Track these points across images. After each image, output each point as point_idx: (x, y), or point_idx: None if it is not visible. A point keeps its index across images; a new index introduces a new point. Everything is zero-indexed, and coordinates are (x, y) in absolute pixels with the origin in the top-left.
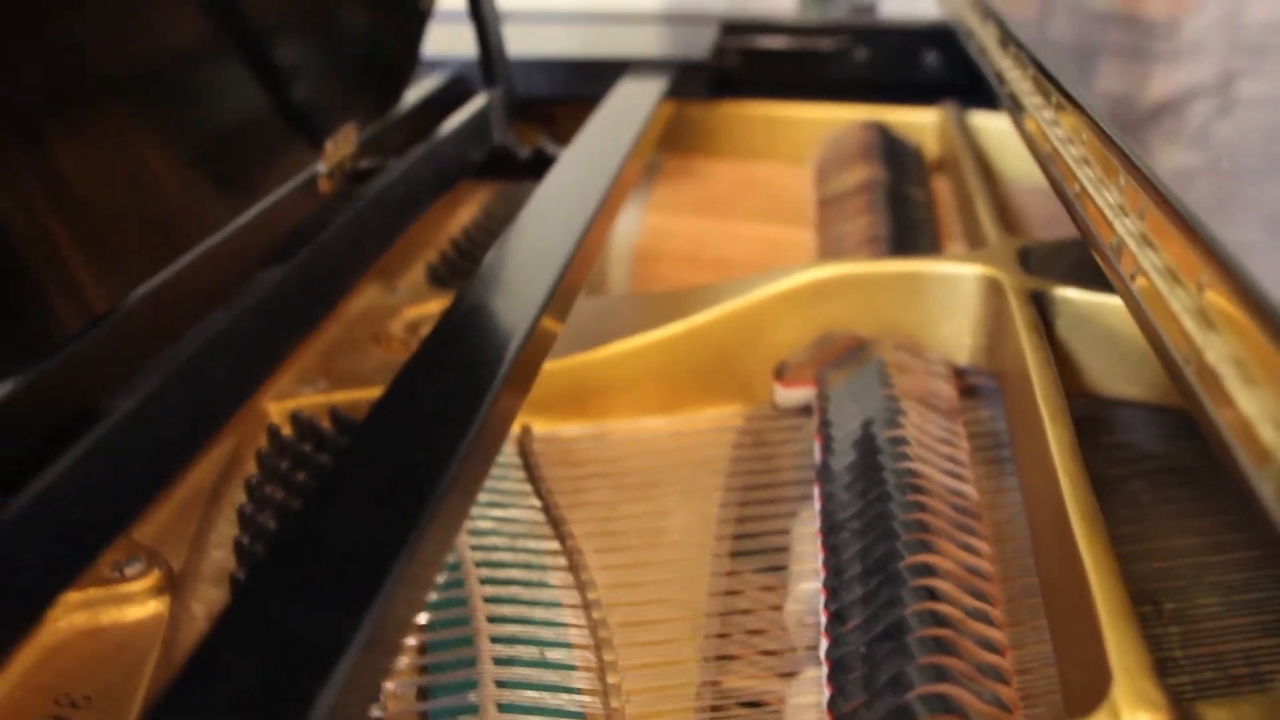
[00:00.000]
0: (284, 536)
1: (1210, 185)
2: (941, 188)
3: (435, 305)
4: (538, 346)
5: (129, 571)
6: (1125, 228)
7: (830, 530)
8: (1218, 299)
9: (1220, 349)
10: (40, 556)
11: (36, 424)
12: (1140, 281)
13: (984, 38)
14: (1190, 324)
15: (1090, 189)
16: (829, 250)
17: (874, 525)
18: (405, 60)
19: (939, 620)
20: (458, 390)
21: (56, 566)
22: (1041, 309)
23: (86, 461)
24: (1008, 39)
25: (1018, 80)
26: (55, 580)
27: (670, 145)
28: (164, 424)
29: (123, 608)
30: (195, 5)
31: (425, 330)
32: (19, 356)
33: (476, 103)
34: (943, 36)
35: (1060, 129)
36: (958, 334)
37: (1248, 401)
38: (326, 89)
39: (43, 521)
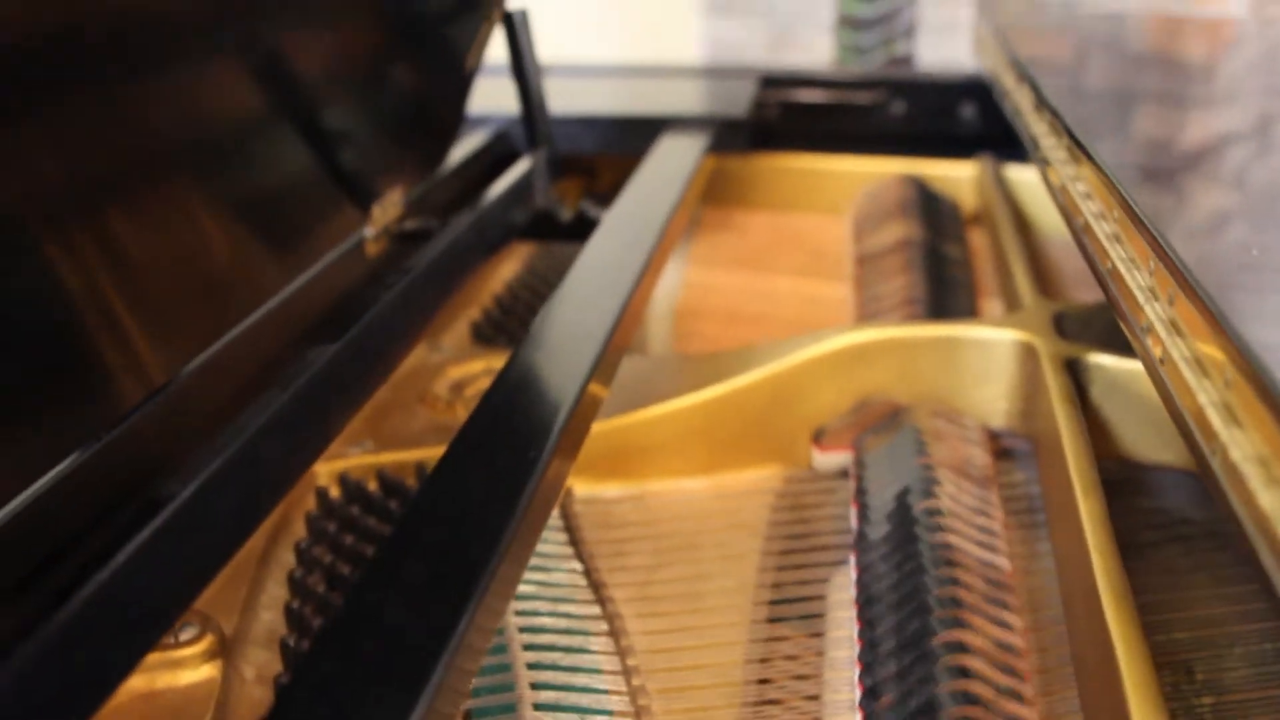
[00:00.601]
0: (340, 615)
1: (1239, 255)
2: (979, 240)
3: (479, 364)
4: (585, 412)
5: (183, 637)
6: (1155, 312)
7: (866, 602)
8: (1243, 394)
9: (1245, 447)
10: (108, 639)
11: (100, 495)
12: (1168, 369)
13: (1019, 99)
14: (1215, 418)
15: (1122, 268)
16: (866, 310)
17: (908, 599)
18: (451, 122)
19: (970, 699)
20: (508, 461)
21: (124, 648)
22: (1076, 375)
23: (151, 546)
24: (1042, 104)
25: (1052, 149)
26: (123, 661)
27: (708, 197)
28: (223, 506)
29: (177, 672)
30: (245, 77)
31: (469, 391)
32: (84, 429)
33: (520, 167)
34: (979, 89)
35: (1094, 203)
36: (993, 398)
37: (1269, 501)
38: (374, 154)
39: (111, 606)
